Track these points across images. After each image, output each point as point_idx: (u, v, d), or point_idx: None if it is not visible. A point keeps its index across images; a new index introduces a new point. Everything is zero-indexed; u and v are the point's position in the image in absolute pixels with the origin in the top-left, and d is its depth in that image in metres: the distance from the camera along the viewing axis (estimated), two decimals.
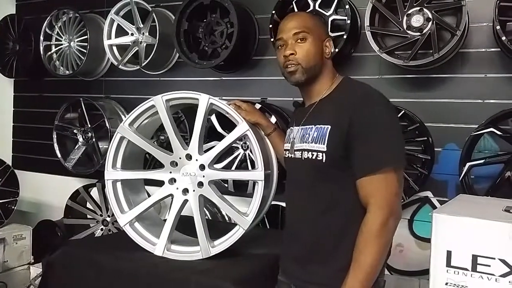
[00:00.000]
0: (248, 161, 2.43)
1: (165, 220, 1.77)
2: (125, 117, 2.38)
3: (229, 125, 2.09)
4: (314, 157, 1.38)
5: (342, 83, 1.49)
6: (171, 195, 1.75)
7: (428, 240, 1.36)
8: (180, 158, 1.73)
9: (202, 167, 1.70)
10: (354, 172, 1.33)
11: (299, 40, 1.45)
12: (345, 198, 1.37)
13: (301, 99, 1.60)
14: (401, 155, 1.36)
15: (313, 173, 1.41)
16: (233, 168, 2.43)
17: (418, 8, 2.07)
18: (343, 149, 1.34)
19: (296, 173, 1.50)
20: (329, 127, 1.37)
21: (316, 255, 1.41)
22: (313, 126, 1.42)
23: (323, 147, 1.36)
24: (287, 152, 1.55)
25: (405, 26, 2.10)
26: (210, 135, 2.41)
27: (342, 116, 1.35)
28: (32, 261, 3.00)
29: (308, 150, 1.41)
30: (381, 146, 1.31)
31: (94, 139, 2.97)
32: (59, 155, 3.03)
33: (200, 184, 1.70)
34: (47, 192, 3.40)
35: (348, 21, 2.18)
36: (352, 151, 1.33)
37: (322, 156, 1.36)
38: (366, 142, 1.31)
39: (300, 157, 1.44)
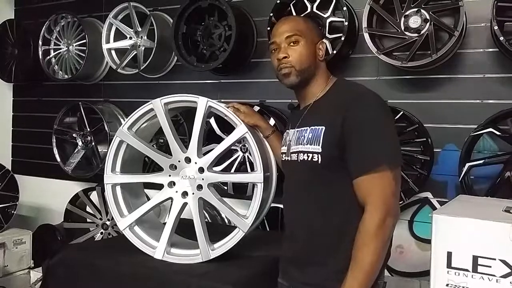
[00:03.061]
0: (247, 163, 2.42)
1: (164, 224, 1.76)
2: (124, 120, 2.38)
3: (228, 128, 2.09)
4: (309, 159, 1.38)
5: (336, 84, 1.49)
6: (171, 198, 1.74)
7: (428, 241, 1.36)
8: (179, 161, 1.72)
9: (201, 170, 1.69)
10: (350, 172, 1.33)
11: (291, 43, 1.46)
12: (342, 199, 1.36)
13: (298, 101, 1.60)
14: (396, 154, 1.35)
15: (309, 175, 1.40)
16: (232, 170, 2.43)
17: (416, 9, 2.07)
18: (338, 150, 1.34)
19: (293, 175, 1.49)
20: (324, 127, 1.37)
21: (314, 256, 1.41)
22: (308, 127, 1.42)
23: (318, 148, 1.36)
24: (284, 155, 1.55)
25: (402, 27, 2.10)
26: (209, 138, 2.41)
27: (335, 116, 1.34)
28: (32, 265, 2.99)
29: (303, 152, 1.41)
30: (375, 145, 1.31)
31: (93, 143, 2.97)
32: (58, 159, 3.03)
33: (199, 187, 1.70)
34: (47, 196, 3.39)
35: (346, 23, 2.19)
36: (347, 151, 1.33)
37: (318, 157, 1.36)
38: (360, 142, 1.31)
39: (296, 159, 1.44)
